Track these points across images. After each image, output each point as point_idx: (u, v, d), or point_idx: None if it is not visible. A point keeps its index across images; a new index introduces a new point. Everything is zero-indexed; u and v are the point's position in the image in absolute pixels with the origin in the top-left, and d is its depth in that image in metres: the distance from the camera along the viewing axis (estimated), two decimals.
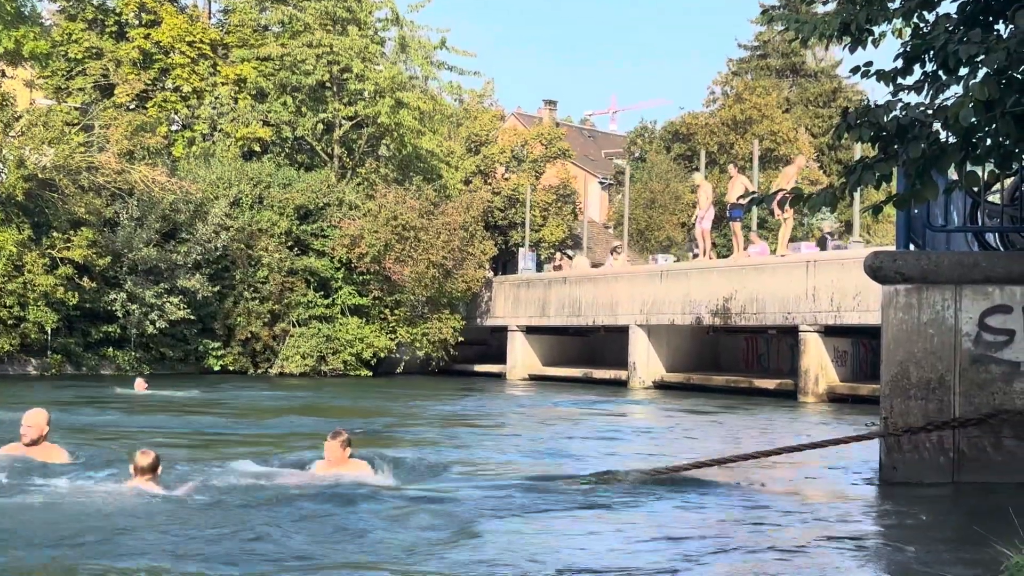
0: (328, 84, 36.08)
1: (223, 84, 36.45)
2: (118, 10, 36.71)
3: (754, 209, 30.48)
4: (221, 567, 6.48)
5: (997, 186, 10.69)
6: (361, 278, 33.35)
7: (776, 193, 8.95)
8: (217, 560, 6.64)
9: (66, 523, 7.62)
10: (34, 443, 10.00)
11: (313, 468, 10.22)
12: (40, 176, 28.16)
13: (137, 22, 36.50)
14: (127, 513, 8.09)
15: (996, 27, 8.54)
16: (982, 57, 7.89)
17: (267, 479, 9.89)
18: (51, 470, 9.63)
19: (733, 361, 31.91)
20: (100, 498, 8.60)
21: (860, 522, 8.82)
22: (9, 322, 27.74)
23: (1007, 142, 8.48)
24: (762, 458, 10.95)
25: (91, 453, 11.19)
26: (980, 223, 11.03)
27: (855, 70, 8.83)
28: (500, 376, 34.51)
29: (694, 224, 32.49)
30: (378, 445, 12.94)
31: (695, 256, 31.63)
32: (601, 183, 65.43)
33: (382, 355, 33.30)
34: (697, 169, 36.95)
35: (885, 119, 8.46)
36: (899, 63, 8.80)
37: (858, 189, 9.04)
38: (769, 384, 26.70)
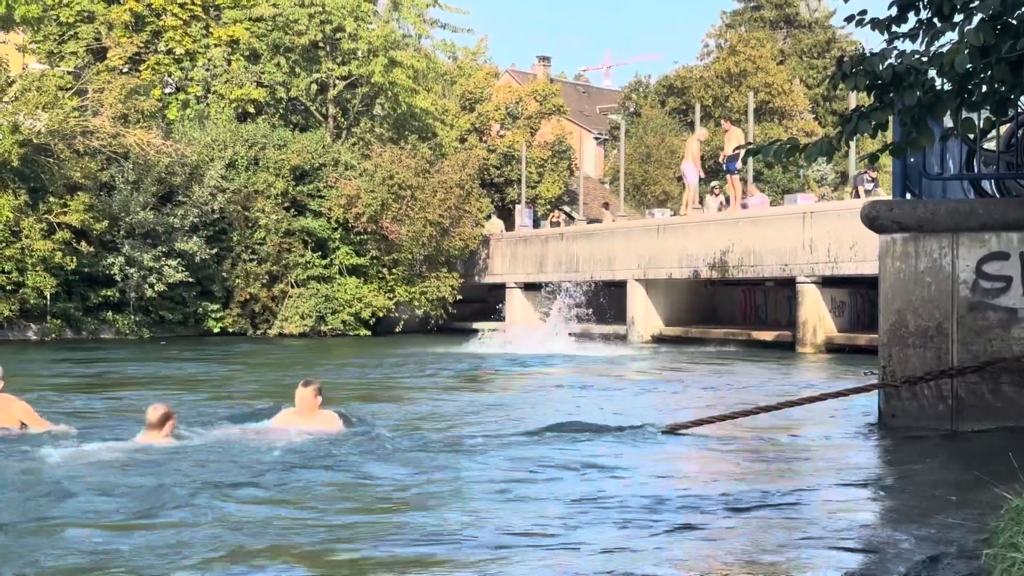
0: (321, 44, 35.92)
1: (216, 46, 36.29)
2: None
3: (751, 161, 30.64)
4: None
5: (993, 133, 10.68)
6: (358, 238, 33.35)
7: (774, 143, 8.96)
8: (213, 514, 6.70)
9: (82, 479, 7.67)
10: None
11: (280, 415, 10.07)
12: (35, 141, 28.06)
13: None
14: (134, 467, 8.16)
15: None
16: (977, 3, 7.88)
17: (255, 431, 9.82)
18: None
19: (731, 314, 31.95)
20: (109, 454, 8.67)
21: (859, 468, 8.87)
22: (8, 287, 27.75)
23: (1002, 88, 8.48)
24: (764, 413, 11.00)
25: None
26: (976, 170, 11.03)
27: (849, 19, 8.82)
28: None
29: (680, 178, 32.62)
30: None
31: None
32: (596, 139, 65.29)
33: (381, 314, 33.35)
34: (692, 123, 36.80)
35: (880, 67, 8.46)
36: (893, 11, 8.78)
37: (854, 138, 9.05)
38: (767, 336, 26.77)
